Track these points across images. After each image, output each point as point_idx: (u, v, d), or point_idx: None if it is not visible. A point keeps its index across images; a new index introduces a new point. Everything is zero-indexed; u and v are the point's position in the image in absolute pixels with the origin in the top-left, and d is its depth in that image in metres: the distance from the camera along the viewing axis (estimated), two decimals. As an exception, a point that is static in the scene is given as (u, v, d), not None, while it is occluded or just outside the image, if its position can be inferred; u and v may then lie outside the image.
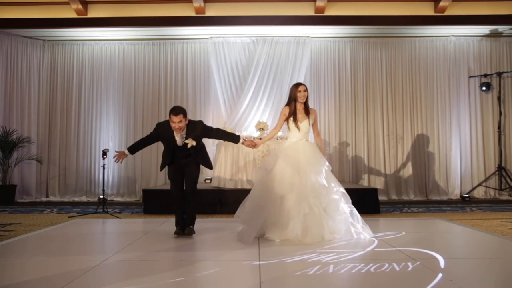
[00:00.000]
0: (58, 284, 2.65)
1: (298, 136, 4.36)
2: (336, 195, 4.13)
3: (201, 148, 4.46)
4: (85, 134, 8.36)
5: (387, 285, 2.68)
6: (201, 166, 4.49)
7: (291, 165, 4.18)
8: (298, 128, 4.33)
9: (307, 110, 4.40)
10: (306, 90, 4.38)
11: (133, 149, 4.46)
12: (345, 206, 4.15)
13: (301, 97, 4.35)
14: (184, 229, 4.26)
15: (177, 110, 4.09)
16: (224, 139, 4.63)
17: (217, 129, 4.54)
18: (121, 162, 4.56)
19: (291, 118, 4.36)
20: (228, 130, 7.13)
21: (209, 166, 4.58)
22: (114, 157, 4.47)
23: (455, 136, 8.23)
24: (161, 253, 3.57)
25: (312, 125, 4.53)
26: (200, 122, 4.39)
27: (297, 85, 4.43)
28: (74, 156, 8.31)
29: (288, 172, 4.15)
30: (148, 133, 4.47)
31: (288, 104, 4.43)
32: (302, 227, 3.90)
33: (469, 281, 2.74)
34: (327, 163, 4.35)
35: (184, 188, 4.38)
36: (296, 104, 4.38)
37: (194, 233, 4.30)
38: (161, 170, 4.51)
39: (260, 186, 4.25)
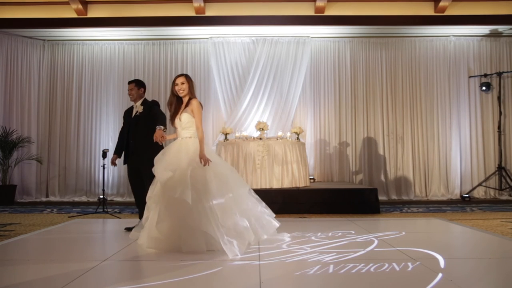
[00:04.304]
0: (58, 284, 2.65)
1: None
2: (185, 202, 3.44)
3: (150, 128, 4.23)
4: (85, 134, 8.36)
5: (387, 285, 2.68)
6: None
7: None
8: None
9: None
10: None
11: (119, 150, 4.83)
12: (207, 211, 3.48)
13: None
14: None
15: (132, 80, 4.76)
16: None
17: (161, 116, 4.30)
18: (116, 165, 4.90)
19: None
20: (228, 130, 7.18)
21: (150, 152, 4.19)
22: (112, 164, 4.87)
23: (455, 136, 8.23)
24: (161, 253, 3.56)
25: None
26: (155, 101, 4.74)
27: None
28: (74, 156, 8.31)
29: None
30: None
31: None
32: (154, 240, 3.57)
33: (469, 281, 2.74)
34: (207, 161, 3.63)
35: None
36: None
37: None
38: (115, 155, 4.89)
39: None
